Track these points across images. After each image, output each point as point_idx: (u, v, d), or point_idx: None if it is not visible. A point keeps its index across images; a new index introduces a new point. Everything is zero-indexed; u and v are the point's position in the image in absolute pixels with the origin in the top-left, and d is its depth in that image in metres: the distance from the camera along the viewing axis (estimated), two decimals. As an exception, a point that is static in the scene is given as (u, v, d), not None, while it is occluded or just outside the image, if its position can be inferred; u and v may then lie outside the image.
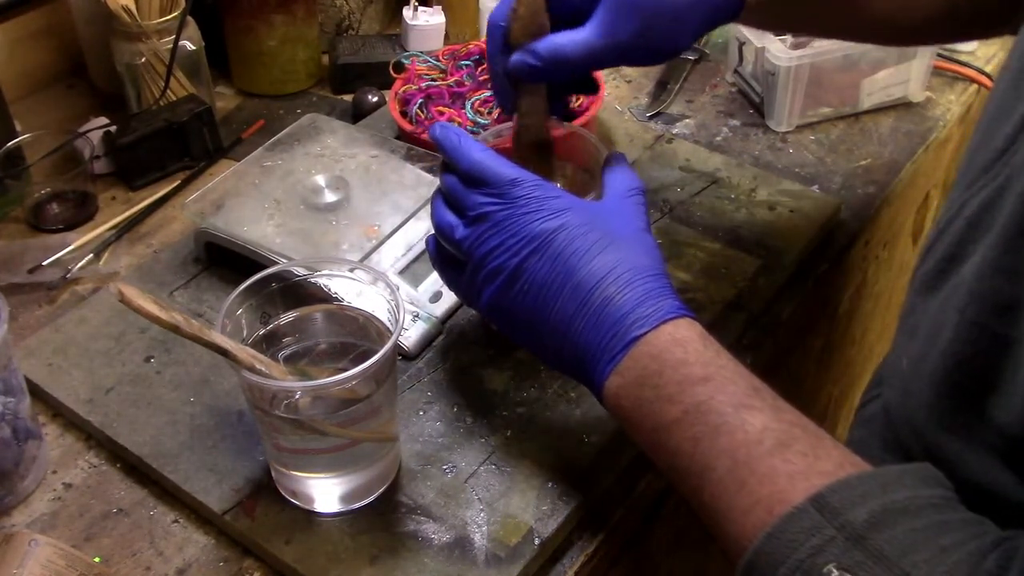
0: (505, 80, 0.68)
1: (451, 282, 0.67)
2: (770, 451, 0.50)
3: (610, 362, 0.57)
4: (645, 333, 0.56)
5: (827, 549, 0.46)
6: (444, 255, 0.66)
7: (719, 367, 0.55)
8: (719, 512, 0.52)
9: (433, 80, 0.97)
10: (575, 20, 0.66)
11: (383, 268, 0.77)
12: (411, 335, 0.75)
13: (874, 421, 0.69)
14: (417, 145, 0.89)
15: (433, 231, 0.66)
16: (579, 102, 0.94)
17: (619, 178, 0.65)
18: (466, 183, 0.62)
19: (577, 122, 0.91)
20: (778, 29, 0.94)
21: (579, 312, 0.58)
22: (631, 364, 0.56)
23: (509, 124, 0.71)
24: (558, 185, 0.68)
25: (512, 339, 0.64)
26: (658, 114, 1.06)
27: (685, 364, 0.55)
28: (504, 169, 0.61)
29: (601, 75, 0.97)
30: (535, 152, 0.68)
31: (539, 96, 0.67)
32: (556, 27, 0.66)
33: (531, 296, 0.60)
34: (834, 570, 0.45)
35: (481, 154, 0.62)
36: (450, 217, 0.63)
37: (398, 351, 0.74)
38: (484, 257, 0.61)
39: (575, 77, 0.71)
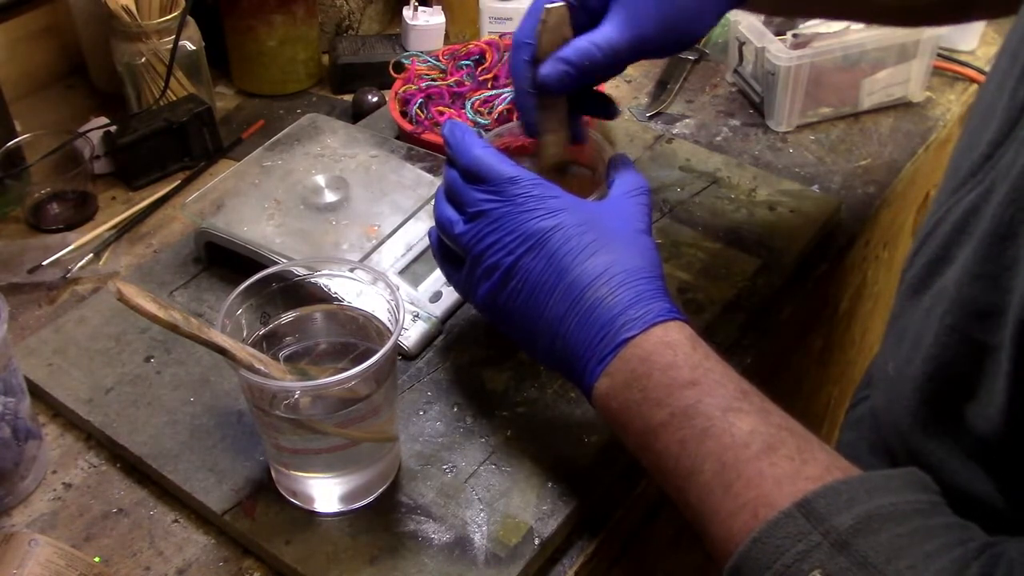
0: (532, 99, 0.67)
1: (450, 276, 0.67)
2: (757, 455, 0.50)
3: (600, 363, 0.57)
4: (635, 335, 0.56)
5: (812, 555, 0.46)
6: (445, 249, 0.66)
7: (707, 370, 0.55)
8: (705, 515, 0.52)
9: (433, 80, 0.97)
10: (592, 25, 0.66)
11: (383, 268, 0.77)
12: (411, 335, 0.75)
13: (862, 423, 0.69)
14: (417, 145, 0.89)
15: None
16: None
17: (624, 178, 0.65)
18: (466, 179, 0.63)
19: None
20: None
21: (571, 312, 0.58)
22: (620, 366, 0.56)
23: (512, 124, 0.72)
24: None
25: (507, 336, 0.64)
26: (658, 114, 1.06)
27: (674, 367, 0.55)
28: (503, 167, 0.62)
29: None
30: (556, 171, 0.69)
31: (560, 114, 0.68)
32: (575, 35, 0.66)
33: (525, 294, 0.60)
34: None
35: (482, 151, 0.63)
36: (450, 212, 0.64)
37: (398, 351, 0.74)
38: (481, 254, 0.61)
39: (590, 91, 0.72)
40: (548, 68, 0.65)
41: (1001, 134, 0.52)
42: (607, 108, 0.74)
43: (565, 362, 0.59)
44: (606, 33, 0.65)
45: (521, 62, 0.67)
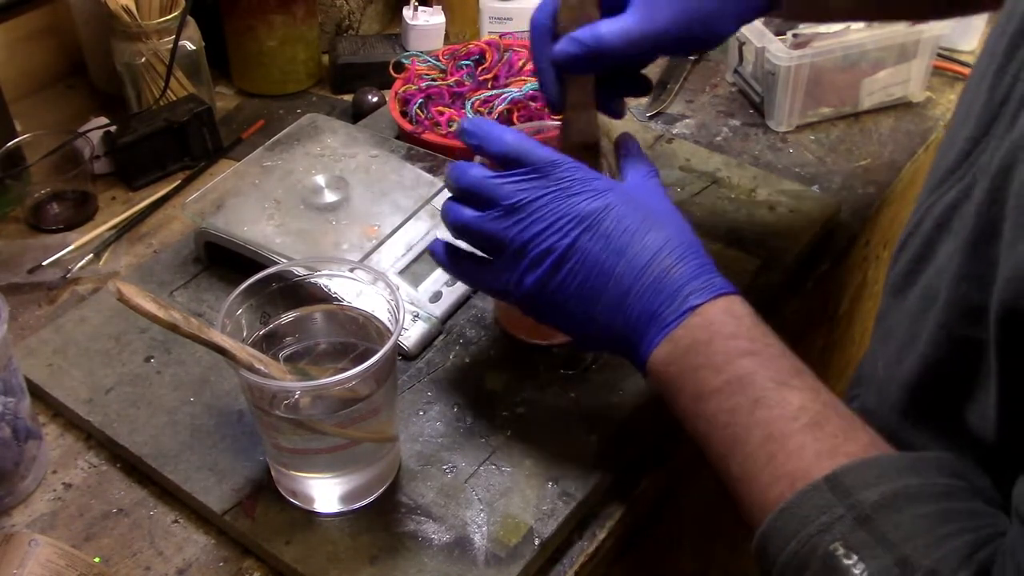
0: (552, 74, 0.67)
1: (475, 277, 0.66)
2: (803, 429, 0.52)
3: (663, 329, 0.58)
4: (702, 303, 0.57)
5: (835, 527, 0.47)
6: (459, 257, 0.65)
7: (767, 344, 0.56)
8: (745, 483, 0.53)
9: (433, 80, 0.96)
10: (619, 12, 0.65)
11: (383, 268, 0.77)
12: (411, 335, 0.75)
13: None
14: (417, 145, 0.89)
15: (439, 237, 0.66)
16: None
17: (635, 162, 0.66)
18: (503, 165, 0.62)
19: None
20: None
21: (635, 285, 0.59)
22: (683, 332, 0.57)
23: (535, 123, 0.70)
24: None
25: (550, 322, 0.63)
26: (658, 114, 1.06)
27: (735, 336, 0.56)
28: (541, 151, 0.61)
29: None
30: (581, 151, 0.67)
31: (586, 91, 0.67)
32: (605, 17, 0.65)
33: (582, 276, 0.60)
34: (840, 547, 0.46)
35: (514, 137, 0.62)
36: (471, 213, 0.62)
37: (398, 351, 0.74)
38: (528, 241, 0.60)
39: (624, 72, 0.70)
40: (561, 46, 0.65)
41: (980, 131, 0.53)
42: (642, 87, 0.73)
43: (623, 337, 0.60)
44: (623, 21, 0.64)
45: (540, 39, 0.67)
